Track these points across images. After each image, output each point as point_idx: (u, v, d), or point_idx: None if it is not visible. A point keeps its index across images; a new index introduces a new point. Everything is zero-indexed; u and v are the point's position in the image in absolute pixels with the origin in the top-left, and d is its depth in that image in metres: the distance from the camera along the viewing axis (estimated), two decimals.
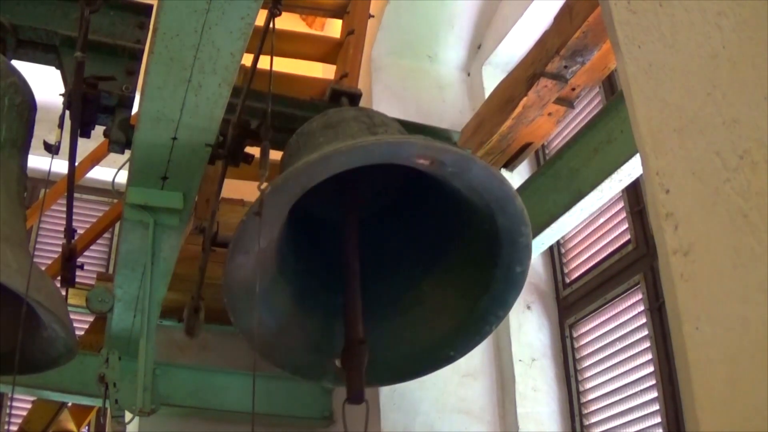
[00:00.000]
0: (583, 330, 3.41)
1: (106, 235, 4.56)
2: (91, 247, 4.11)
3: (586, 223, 3.33)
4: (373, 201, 2.59)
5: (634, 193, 3.13)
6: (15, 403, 4.42)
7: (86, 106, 2.08)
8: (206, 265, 2.38)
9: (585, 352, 3.37)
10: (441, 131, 2.93)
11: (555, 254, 3.65)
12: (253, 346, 2.26)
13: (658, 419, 2.79)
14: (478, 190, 2.04)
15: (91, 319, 3.76)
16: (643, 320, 2.97)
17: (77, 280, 2.29)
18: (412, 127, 2.86)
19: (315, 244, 2.61)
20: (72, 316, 2.05)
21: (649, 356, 2.90)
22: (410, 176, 2.22)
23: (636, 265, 3.07)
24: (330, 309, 2.43)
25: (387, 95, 3.98)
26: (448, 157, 1.96)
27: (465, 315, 2.34)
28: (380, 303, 2.47)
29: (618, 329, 3.14)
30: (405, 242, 2.53)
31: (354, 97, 2.65)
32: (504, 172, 3.50)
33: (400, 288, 2.50)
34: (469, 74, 4.22)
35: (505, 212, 2.04)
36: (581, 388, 3.34)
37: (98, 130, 2.21)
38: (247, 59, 1.94)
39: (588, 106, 3.59)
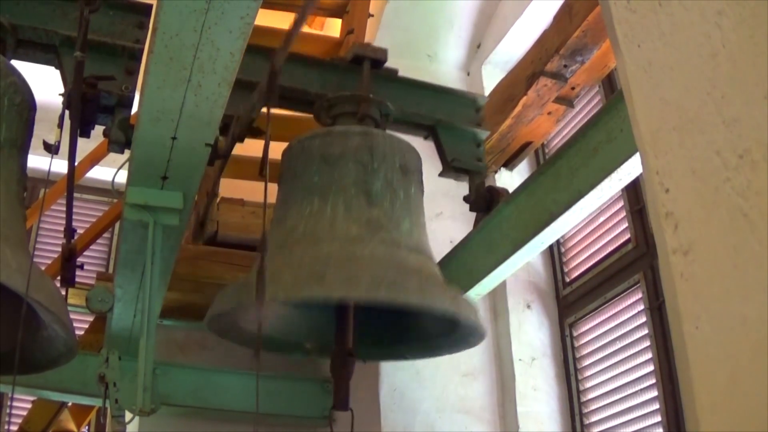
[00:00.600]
0: (583, 329, 3.41)
1: (106, 234, 4.55)
2: (91, 247, 4.11)
3: (585, 222, 3.33)
4: None
5: (633, 192, 3.13)
6: (15, 403, 4.42)
7: (86, 106, 2.08)
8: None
9: (585, 351, 3.37)
10: (468, 95, 2.94)
11: (555, 253, 3.65)
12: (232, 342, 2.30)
13: (658, 418, 2.80)
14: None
15: (90, 318, 3.76)
16: (643, 319, 2.97)
17: (77, 279, 2.29)
18: (438, 90, 2.87)
19: None
20: (72, 316, 2.05)
21: (649, 355, 2.90)
22: None
23: (636, 264, 3.07)
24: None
25: None
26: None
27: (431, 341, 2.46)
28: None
29: (618, 328, 3.14)
30: None
31: (378, 63, 2.63)
32: (504, 171, 3.50)
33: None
34: (468, 73, 4.22)
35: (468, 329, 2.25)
36: (581, 387, 3.34)
37: (98, 130, 2.21)
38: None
39: (588, 105, 3.59)
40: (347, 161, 2.27)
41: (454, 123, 2.85)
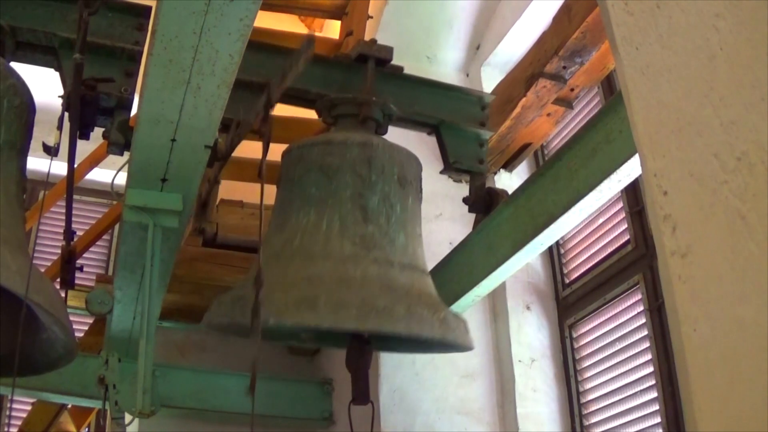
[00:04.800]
0: (583, 330, 3.41)
1: (106, 236, 4.56)
2: (91, 249, 4.11)
3: (585, 224, 3.33)
4: None
5: (633, 193, 3.13)
6: (15, 405, 4.41)
7: (85, 108, 2.08)
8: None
9: (585, 353, 3.37)
10: (473, 93, 2.93)
11: (554, 255, 3.65)
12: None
13: (658, 419, 2.79)
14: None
15: (90, 320, 3.76)
16: (643, 320, 2.97)
17: (77, 281, 2.29)
18: (443, 87, 2.85)
19: None
20: (71, 318, 2.05)
21: (648, 356, 2.90)
22: None
23: (635, 265, 3.07)
24: None
25: None
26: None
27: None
28: None
29: (618, 329, 3.14)
30: None
31: (383, 61, 2.63)
32: (503, 173, 3.50)
33: None
34: (467, 75, 4.22)
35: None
36: (581, 389, 3.34)
37: (97, 132, 2.21)
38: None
39: (587, 107, 3.59)
40: (345, 173, 2.28)
41: (458, 122, 2.83)
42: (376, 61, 2.62)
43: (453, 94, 2.90)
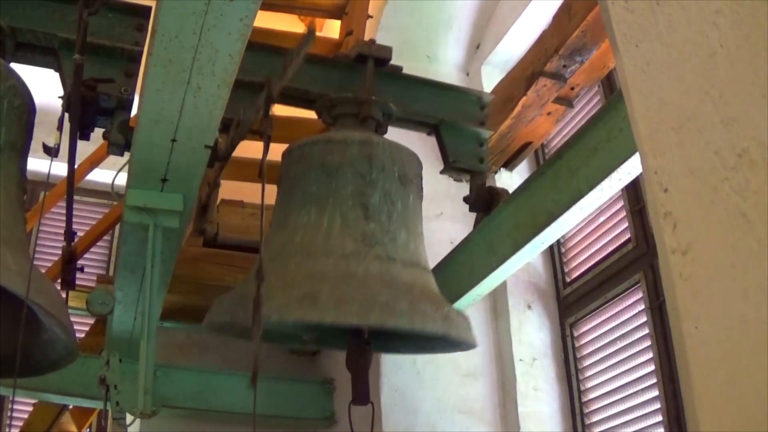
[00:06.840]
0: (584, 329, 3.41)
1: (106, 237, 4.55)
2: (91, 250, 4.11)
3: (586, 222, 3.33)
4: None
5: (633, 191, 3.13)
6: (16, 406, 4.41)
7: (85, 109, 2.08)
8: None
9: (586, 351, 3.37)
10: (473, 92, 2.92)
11: (555, 253, 3.65)
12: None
13: (659, 418, 2.79)
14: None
15: (91, 321, 3.76)
16: (644, 319, 2.97)
17: (77, 282, 2.29)
18: (442, 87, 2.85)
19: None
20: (72, 319, 2.05)
21: (649, 355, 2.90)
22: None
23: (636, 263, 3.07)
24: None
25: None
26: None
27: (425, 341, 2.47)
28: None
29: (619, 328, 3.14)
30: None
31: (382, 61, 2.63)
32: (504, 172, 3.50)
33: None
34: (468, 74, 4.22)
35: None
36: (582, 387, 3.34)
37: (97, 133, 2.21)
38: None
39: (587, 105, 3.58)
40: (346, 171, 2.28)
41: (458, 122, 2.83)
42: (375, 60, 2.63)
43: (452, 94, 2.90)
